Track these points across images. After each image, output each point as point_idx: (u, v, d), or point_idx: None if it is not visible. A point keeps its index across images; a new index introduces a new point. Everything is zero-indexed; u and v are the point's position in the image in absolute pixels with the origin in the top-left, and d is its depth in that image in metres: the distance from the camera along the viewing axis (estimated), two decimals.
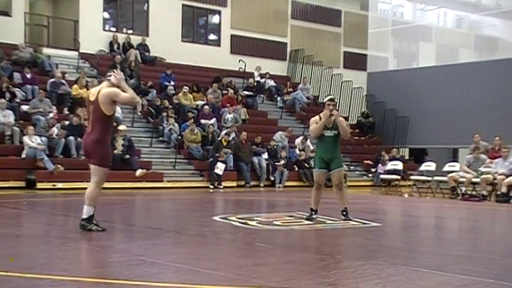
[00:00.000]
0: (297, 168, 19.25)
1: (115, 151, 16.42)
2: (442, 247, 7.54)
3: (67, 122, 16.64)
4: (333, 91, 25.16)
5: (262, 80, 23.96)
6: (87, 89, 18.40)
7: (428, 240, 8.35)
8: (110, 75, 7.45)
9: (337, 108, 9.49)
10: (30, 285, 4.75)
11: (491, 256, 6.75)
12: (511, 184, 14.70)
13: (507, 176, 14.74)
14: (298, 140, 20.29)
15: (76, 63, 20.55)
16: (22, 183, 15.14)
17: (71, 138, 16.10)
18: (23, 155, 15.41)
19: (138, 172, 16.26)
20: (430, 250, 7.20)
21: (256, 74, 24.06)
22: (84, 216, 7.34)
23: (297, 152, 19.85)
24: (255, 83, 23.58)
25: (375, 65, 25.85)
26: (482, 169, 15.53)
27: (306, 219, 9.24)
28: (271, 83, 24.22)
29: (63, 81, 18.38)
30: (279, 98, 23.66)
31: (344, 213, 9.16)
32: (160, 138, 18.65)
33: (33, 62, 19.12)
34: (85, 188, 7.56)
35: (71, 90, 18.22)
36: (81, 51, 20.90)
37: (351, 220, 9.05)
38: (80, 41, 21.09)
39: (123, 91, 7.35)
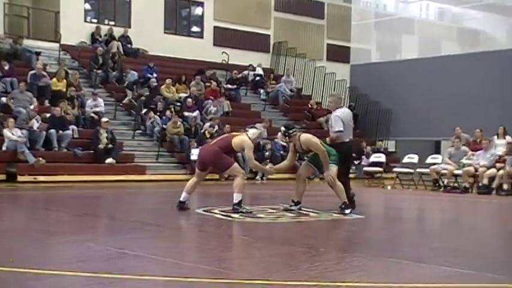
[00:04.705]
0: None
1: (99, 145, 16.34)
2: (425, 239, 7.57)
3: (48, 115, 16.48)
4: (316, 83, 25.21)
5: (255, 73, 23.92)
6: (67, 81, 18.29)
7: (411, 233, 8.39)
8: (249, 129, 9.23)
9: (295, 132, 9.46)
10: (10, 279, 4.69)
11: (473, 248, 6.79)
12: (493, 176, 14.82)
13: (488, 168, 14.86)
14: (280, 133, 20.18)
15: (57, 55, 20.32)
16: (2, 177, 14.95)
17: (52, 131, 15.94)
18: (3, 148, 15.23)
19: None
20: (413, 242, 7.23)
21: (259, 68, 24.01)
22: (235, 201, 8.71)
23: (281, 143, 19.76)
24: (256, 78, 23.58)
25: (357, 58, 25.91)
26: (464, 161, 15.63)
27: (284, 209, 9.36)
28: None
29: (44, 73, 18.18)
30: (262, 91, 23.63)
31: (341, 206, 9.09)
32: (143, 131, 18.57)
33: (13, 54, 18.88)
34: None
35: (52, 82, 18.05)
36: (62, 42, 20.62)
37: (345, 215, 8.97)
38: (61, 32, 20.84)
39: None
